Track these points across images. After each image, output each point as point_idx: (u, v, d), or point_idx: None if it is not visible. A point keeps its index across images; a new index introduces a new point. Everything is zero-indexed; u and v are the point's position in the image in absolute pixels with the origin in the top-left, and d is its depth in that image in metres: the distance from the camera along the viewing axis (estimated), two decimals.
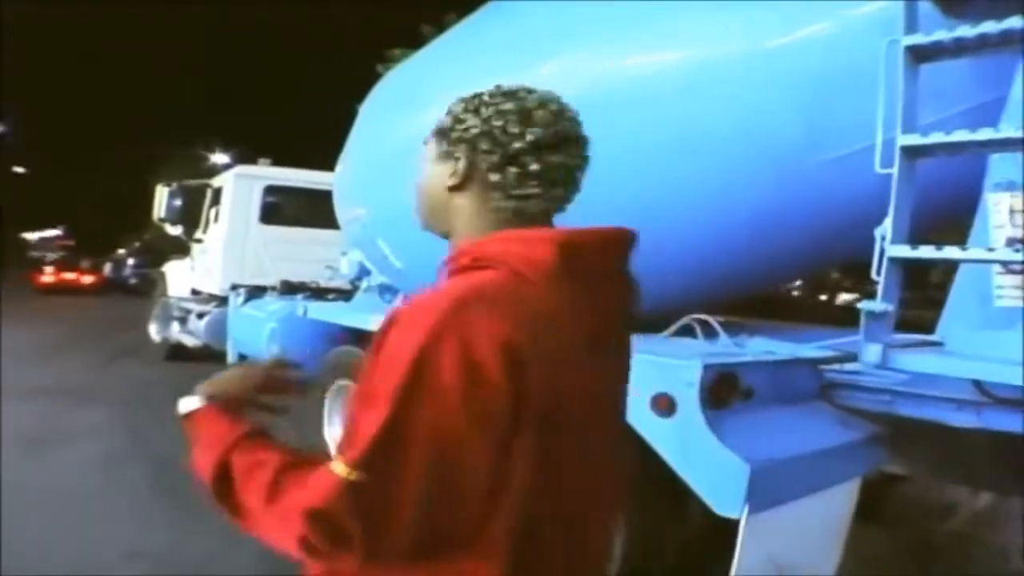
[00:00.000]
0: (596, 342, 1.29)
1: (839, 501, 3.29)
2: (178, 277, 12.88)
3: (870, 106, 3.25)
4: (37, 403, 8.98)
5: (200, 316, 10.61)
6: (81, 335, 16.66)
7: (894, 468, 3.82)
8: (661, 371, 2.98)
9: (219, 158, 37.66)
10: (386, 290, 6.67)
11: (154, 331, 13.04)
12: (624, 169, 3.72)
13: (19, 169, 65.41)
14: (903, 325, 3.01)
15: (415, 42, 17.54)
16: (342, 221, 6.75)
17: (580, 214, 3.64)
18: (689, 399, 2.86)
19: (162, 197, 11.46)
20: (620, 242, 1.37)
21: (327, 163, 10.73)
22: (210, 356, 10.13)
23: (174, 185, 11.48)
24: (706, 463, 2.80)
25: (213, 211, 11.05)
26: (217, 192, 11.10)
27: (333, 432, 5.82)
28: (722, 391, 2.95)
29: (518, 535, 1.15)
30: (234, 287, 9.75)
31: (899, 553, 4.92)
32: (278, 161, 11.61)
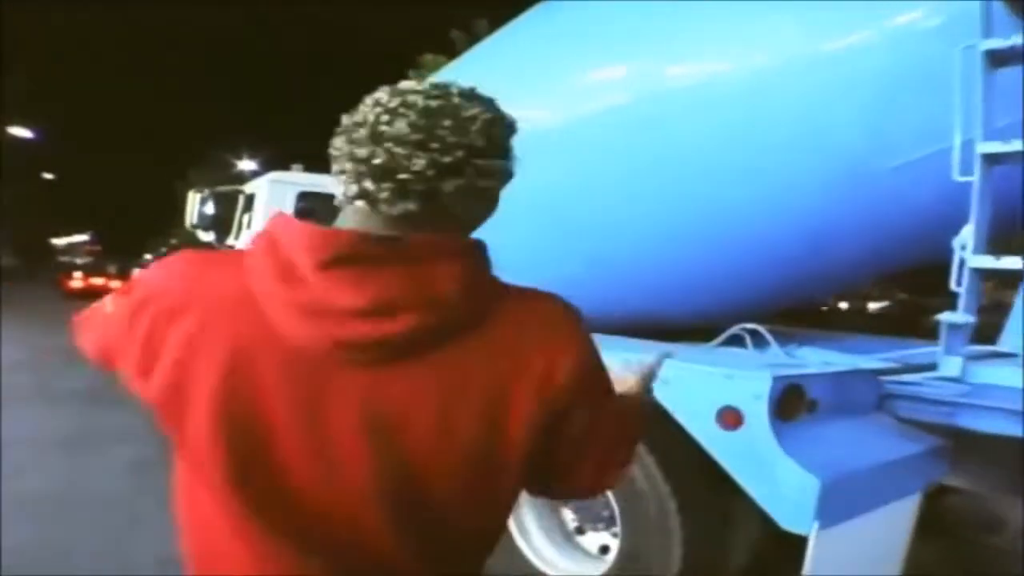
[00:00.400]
0: (355, 349, 1.17)
1: (902, 515, 3.23)
2: None
3: (933, 112, 3.20)
4: (68, 406, 9.05)
5: None
6: None
7: (948, 480, 3.75)
8: (727, 384, 2.92)
9: (246, 164, 37.81)
10: None
11: None
12: (682, 176, 3.68)
13: (48, 175, 65.97)
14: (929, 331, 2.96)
15: (445, 47, 17.63)
16: None
17: (641, 222, 3.50)
18: (757, 412, 2.80)
19: (194, 204, 11.33)
20: (366, 253, 1.18)
21: None
22: None
23: (206, 191, 11.35)
24: (774, 478, 2.74)
25: (246, 217, 10.98)
26: (250, 198, 11.02)
27: None
28: (789, 404, 2.89)
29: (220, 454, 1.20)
30: None
31: (943, 566, 4.84)
32: (308, 167, 11.56)
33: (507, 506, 1.35)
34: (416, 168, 1.17)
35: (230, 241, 11.43)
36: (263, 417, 1.19)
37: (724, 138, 3.62)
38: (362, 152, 1.19)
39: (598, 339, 1.29)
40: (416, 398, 1.19)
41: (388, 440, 1.19)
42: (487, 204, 1.30)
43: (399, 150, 1.18)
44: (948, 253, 3.11)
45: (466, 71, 5.25)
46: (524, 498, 4.06)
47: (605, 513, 3.74)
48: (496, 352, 1.21)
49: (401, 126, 1.18)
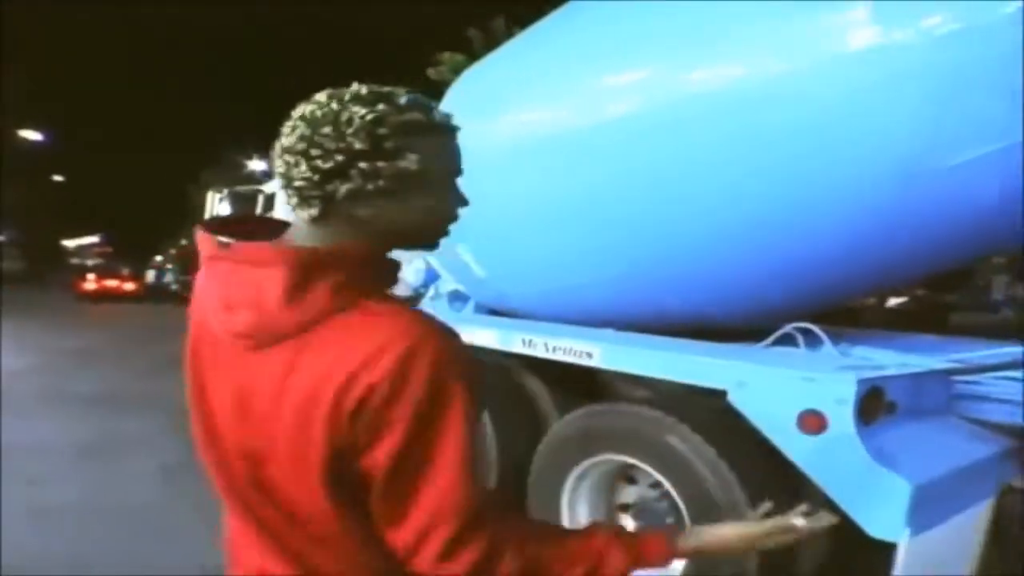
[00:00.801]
0: (235, 337, 1.30)
1: (978, 518, 3.15)
2: None
3: (992, 109, 3.10)
4: (86, 412, 8.95)
5: None
6: (129, 341, 16.70)
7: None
8: (808, 387, 2.81)
9: (256, 164, 37.76)
10: (457, 298, 6.52)
11: None
12: (720, 178, 3.59)
13: (57, 177, 66.02)
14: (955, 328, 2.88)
15: (452, 45, 17.62)
16: None
17: (679, 225, 3.37)
18: (842, 417, 2.70)
19: (213, 204, 11.23)
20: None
21: None
22: None
23: (225, 191, 11.18)
24: (862, 484, 2.65)
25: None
26: (269, 198, 10.91)
27: None
28: (870, 406, 2.80)
29: None
30: None
31: (997, 566, 4.77)
32: None
33: (336, 528, 1.28)
34: (303, 175, 1.26)
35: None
36: (207, 400, 1.37)
37: (766, 138, 3.48)
38: (275, 164, 1.32)
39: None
40: (262, 387, 1.26)
41: (242, 423, 1.30)
42: (395, 206, 1.32)
43: (290, 159, 1.28)
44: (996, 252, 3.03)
45: (494, 71, 5.16)
46: (581, 501, 4.05)
47: (670, 520, 3.65)
48: (319, 357, 1.22)
49: (292, 137, 1.28)
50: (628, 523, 3.99)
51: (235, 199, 11.26)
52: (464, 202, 1.43)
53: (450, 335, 1.26)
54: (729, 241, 3.81)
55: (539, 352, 4.24)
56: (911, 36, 3.27)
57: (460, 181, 1.43)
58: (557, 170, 4.12)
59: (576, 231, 4.18)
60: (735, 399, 3.02)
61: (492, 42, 17.33)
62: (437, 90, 17.54)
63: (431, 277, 7.08)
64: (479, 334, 4.88)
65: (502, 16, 17.23)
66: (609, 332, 4.20)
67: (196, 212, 40.50)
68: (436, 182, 1.36)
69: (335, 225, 1.30)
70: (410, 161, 1.28)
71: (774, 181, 3.56)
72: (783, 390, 2.87)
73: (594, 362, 3.87)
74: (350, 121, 1.24)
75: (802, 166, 3.47)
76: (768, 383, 2.93)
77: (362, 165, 1.25)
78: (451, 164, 1.40)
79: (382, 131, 1.26)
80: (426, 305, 6.96)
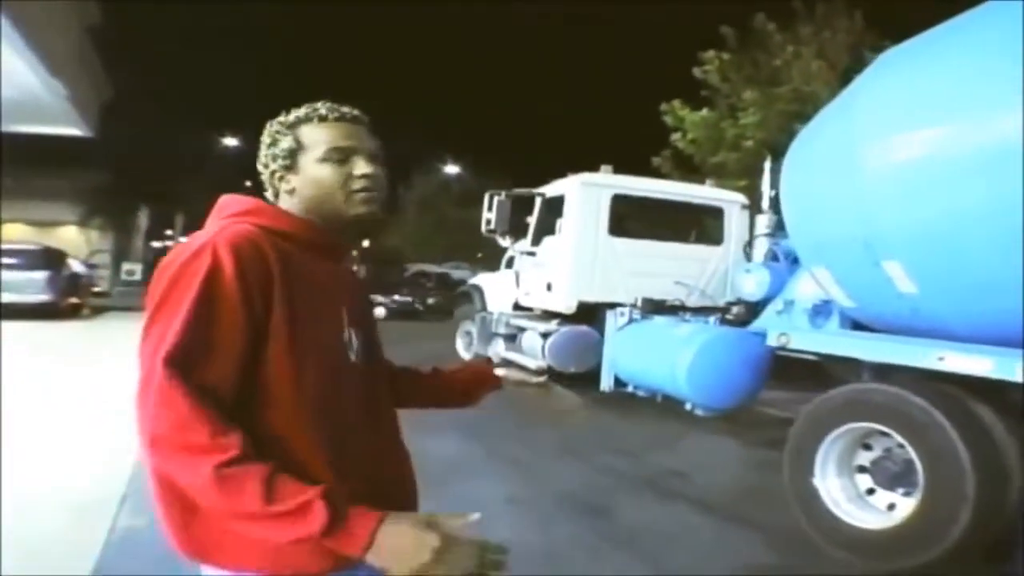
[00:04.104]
0: None
1: None
2: (498, 291, 12.16)
3: None
4: None
5: (544, 336, 9.99)
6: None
7: None
8: None
9: (451, 168, 38.23)
10: (819, 313, 6.11)
11: (463, 347, 12.68)
12: None
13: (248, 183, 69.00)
14: None
15: (717, 44, 17.04)
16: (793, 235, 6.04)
17: None
18: None
19: (491, 207, 10.96)
20: None
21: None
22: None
23: (502, 194, 10.93)
24: None
25: (557, 222, 10.42)
26: (551, 202, 10.48)
27: (825, 483, 5.00)
28: None
29: None
30: (612, 306, 9.35)
31: None
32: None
33: None
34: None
35: (523, 245, 10.94)
36: None
37: None
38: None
39: None
40: None
41: None
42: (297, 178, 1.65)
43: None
44: None
45: (931, 69, 4.57)
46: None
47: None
48: None
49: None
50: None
51: (513, 202, 10.93)
52: (367, 179, 1.62)
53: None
54: None
55: None
56: None
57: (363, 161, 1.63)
58: None
59: None
60: None
61: (752, 40, 16.72)
62: (697, 89, 16.98)
63: (775, 290, 7.01)
64: (957, 360, 4.43)
65: (761, 12, 16.53)
66: None
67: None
68: (323, 158, 1.61)
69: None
70: (289, 140, 1.64)
71: None
72: None
73: None
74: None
75: None
76: None
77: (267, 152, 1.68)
78: (334, 143, 1.62)
79: (273, 128, 1.67)
80: (770, 317, 6.85)
